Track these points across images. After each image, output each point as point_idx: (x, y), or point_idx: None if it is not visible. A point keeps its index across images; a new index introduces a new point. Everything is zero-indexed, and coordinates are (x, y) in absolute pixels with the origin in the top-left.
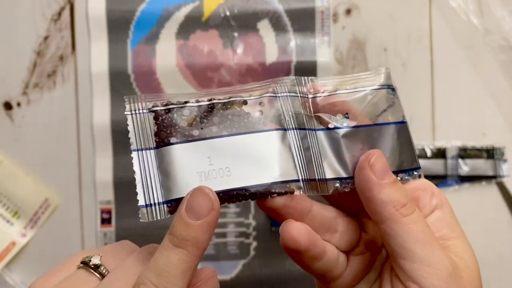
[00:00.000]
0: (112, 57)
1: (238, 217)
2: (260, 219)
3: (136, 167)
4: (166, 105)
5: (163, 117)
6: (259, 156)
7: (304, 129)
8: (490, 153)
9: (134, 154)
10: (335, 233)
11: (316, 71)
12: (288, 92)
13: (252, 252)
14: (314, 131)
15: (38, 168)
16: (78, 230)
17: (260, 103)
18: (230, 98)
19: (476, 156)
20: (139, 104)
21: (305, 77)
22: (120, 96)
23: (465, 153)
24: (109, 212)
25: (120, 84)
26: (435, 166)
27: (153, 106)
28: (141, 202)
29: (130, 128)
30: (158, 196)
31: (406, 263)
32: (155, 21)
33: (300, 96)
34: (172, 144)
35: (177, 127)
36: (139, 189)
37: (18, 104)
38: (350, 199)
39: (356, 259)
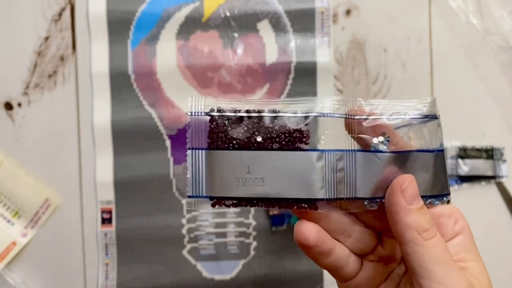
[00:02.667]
0: (113, 57)
1: (238, 217)
2: (260, 219)
3: (188, 163)
4: (220, 111)
5: (217, 122)
6: (292, 173)
7: (343, 150)
8: (490, 154)
9: (188, 152)
10: (350, 237)
11: (316, 72)
12: (334, 112)
13: (252, 252)
14: (353, 152)
15: (38, 168)
16: (78, 230)
17: (305, 120)
18: (278, 112)
19: (475, 156)
20: (199, 105)
21: (353, 98)
22: (120, 97)
23: (464, 153)
24: (109, 212)
25: (121, 85)
26: None
27: (210, 111)
28: (189, 193)
29: (189, 127)
30: (202, 190)
31: (425, 282)
32: (155, 22)
33: (346, 117)
34: (220, 149)
35: (227, 133)
36: (189, 182)
37: (19, 105)
38: (376, 219)
39: (369, 265)
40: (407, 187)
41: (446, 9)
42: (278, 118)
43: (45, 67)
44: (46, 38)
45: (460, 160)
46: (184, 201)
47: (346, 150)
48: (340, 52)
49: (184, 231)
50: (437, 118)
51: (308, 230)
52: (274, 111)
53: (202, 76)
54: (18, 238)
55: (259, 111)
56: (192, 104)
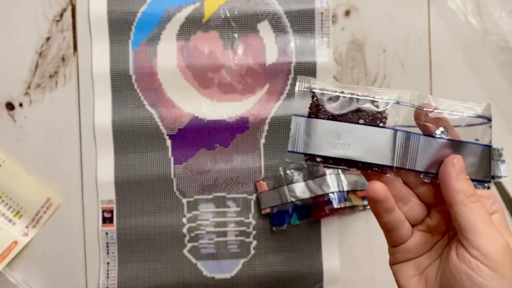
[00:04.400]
0: (114, 58)
1: (238, 216)
2: (260, 218)
3: (292, 126)
4: (322, 89)
5: (317, 97)
6: (372, 143)
7: (410, 132)
8: None
9: (293, 117)
10: (406, 205)
11: (315, 72)
12: (409, 103)
13: (252, 251)
14: (418, 135)
15: (40, 168)
16: (80, 229)
17: (386, 106)
18: (366, 96)
19: None
20: (305, 84)
21: (424, 95)
22: (121, 97)
23: None
24: (110, 211)
25: (122, 85)
26: None
27: (313, 88)
28: (289, 148)
29: (295, 99)
30: (300, 147)
31: (471, 235)
32: (156, 22)
33: (416, 108)
34: (317, 118)
35: (324, 107)
36: (290, 140)
37: (20, 105)
38: (428, 193)
39: (418, 233)
40: (456, 162)
41: (445, 9)
42: (365, 101)
43: (47, 67)
44: (48, 39)
45: None
46: (184, 200)
47: (413, 132)
48: (340, 52)
49: (184, 230)
50: (489, 120)
51: (379, 187)
52: (362, 95)
53: (203, 77)
54: (19, 238)
55: (351, 94)
56: (300, 82)
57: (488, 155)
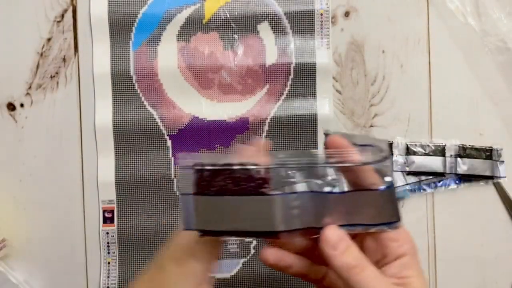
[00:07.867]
0: (114, 58)
1: None
2: None
3: (181, 205)
4: (202, 164)
5: (200, 173)
6: (258, 212)
7: (295, 193)
8: (489, 154)
9: (180, 197)
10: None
11: (315, 73)
12: (293, 163)
13: (252, 251)
14: (303, 194)
15: (40, 169)
16: (81, 229)
17: (268, 170)
18: (242, 166)
19: (474, 156)
20: (187, 161)
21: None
22: (122, 97)
23: (464, 152)
24: (111, 211)
25: (122, 86)
26: (434, 163)
27: (194, 165)
28: (184, 226)
29: (180, 179)
30: (192, 224)
31: None
32: (156, 23)
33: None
34: (203, 195)
35: (207, 182)
36: (182, 218)
37: (21, 105)
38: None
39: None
40: (328, 237)
41: (444, 10)
42: (244, 170)
43: (48, 68)
44: (49, 39)
45: (459, 159)
46: None
47: (296, 192)
48: (339, 53)
49: None
50: (387, 158)
51: (267, 253)
52: (242, 164)
53: (203, 77)
54: None
55: (230, 164)
56: (181, 160)
57: (392, 195)
